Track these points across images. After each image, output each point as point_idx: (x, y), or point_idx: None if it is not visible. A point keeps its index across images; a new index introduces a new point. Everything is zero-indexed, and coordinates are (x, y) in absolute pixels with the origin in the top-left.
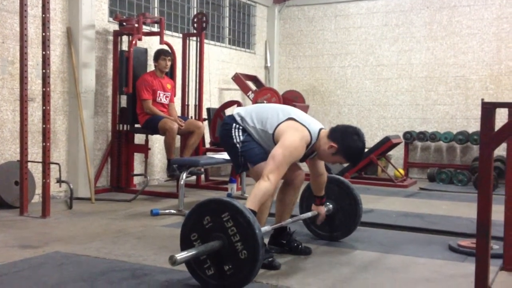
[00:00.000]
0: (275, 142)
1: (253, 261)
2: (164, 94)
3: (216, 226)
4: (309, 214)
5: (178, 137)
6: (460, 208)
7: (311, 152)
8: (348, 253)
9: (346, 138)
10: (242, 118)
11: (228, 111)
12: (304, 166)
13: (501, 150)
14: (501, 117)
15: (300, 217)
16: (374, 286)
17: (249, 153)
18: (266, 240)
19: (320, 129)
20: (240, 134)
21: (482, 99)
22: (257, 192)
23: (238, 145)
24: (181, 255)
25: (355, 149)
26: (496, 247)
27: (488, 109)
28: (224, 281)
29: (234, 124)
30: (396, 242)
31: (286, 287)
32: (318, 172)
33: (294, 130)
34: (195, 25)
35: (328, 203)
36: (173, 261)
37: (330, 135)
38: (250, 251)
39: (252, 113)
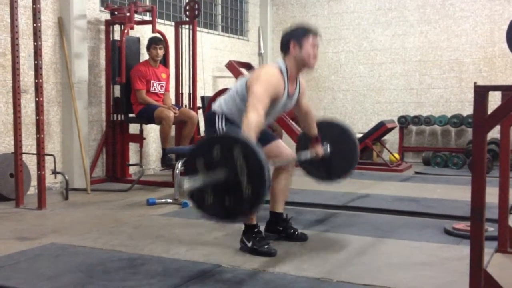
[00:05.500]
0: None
1: (256, 197)
2: (159, 84)
3: (224, 159)
4: (307, 155)
5: (173, 126)
6: (455, 191)
7: (293, 81)
8: (344, 238)
9: (286, 32)
10: (220, 107)
11: None
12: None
13: (495, 133)
14: (495, 100)
15: (299, 156)
16: (370, 271)
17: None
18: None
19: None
20: (223, 123)
21: (475, 83)
22: (249, 123)
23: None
24: (188, 184)
25: (297, 25)
26: (491, 229)
27: (481, 93)
28: (222, 210)
29: (216, 116)
30: (391, 227)
31: (283, 273)
32: (304, 110)
33: (260, 68)
34: (187, 13)
35: (325, 143)
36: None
37: (283, 49)
38: (255, 186)
39: (222, 99)
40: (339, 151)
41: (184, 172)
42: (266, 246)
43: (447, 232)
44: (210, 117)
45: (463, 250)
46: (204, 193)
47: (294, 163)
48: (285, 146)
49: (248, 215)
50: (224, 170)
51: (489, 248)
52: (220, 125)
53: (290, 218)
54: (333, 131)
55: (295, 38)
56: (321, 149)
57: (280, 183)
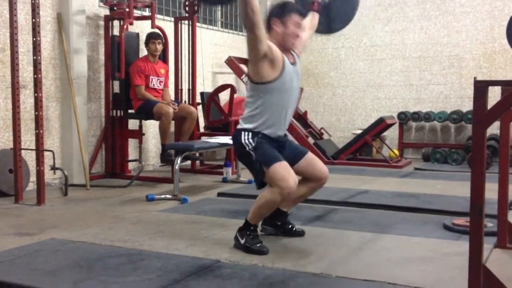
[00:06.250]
0: (255, 79)
1: None
2: (158, 79)
3: None
4: None
5: (172, 122)
6: (455, 187)
7: (288, 53)
8: (343, 234)
9: (268, 9)
10: (241, 125)
11: (222, 95)
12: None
13: (495, 129)
14: (494, 96)
15: None
16: (370, 267)
17: (263, 157)
18: None
19: None
20: (250, 138)
21: (475, 78)
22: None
23: (252, 152)
24: None
25: (279, 2)
26: (490, 225)
27: (481, 88)
28: None
29: (242, 132)
30: (391, 222)
31: (282, 268)
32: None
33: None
34: (186, 8)
35: None
36: None
37: (266, 28)
38: None
39: (242, 121)
40: (339, 1)
41: None
42: (258, 245)
43: (447, 227)
44: (236, 134)
45: (463, 245)
46: None
47: (325, 181)
48: (321, 163)
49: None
50: None
51: (488, 244)
52: (246, 139)
53: (289, 214)
54: None
55: (277, 16)
56: None
57: (301, 190)
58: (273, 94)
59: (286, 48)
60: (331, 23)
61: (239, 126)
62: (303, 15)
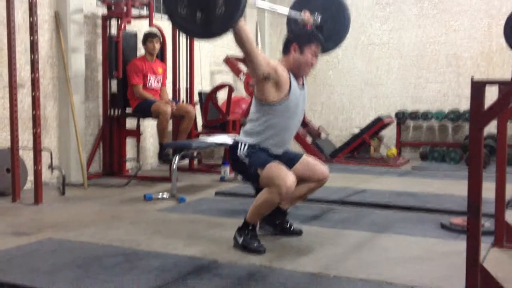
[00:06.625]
0: (259, 98)
1: (226, 19)
2: (156, 78)
3: None
4: (297, 15)
5: (170, 121)
6: (452, 186)
7: (296, 75)
8: (341, 233)
9: (292, 33)
10: (240, 138)
11: (220, 94)
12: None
13: (492, 128)
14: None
15: (290, 13)
16: (368, 266)
17: (256, 161)
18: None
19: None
20: (246, 149)
21: (472, 77)
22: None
23: (245, 159)
24: None
25: (305, 29)
26: (487, 224)
27: (478, 87)
28: (191, 25)
29: (239, 144)
30: (389, 221)
31: (280, 268)
32: None
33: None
34: None
35: (316, 14)
36: None
37: (284, 50)
38: (228, 9)
39: (242, 133)
40: (329, 16)
41: None
42: (256, 244)
43: (444, 227)
44: (233, 144)
45: (460, 245)
46: (178, 1)
47: (325, 181)
48: (315, 161)
49: (213, 36)
50: None
51: (485, 243)
52: (243, 151)
53: (288, 213)
54: (329, 8)
55: (298, 42)
56: (309, 13)
57: (301, 190)
58: (277, 116)
59: (298, 74)
60: (325, 42)
61: (237, 138)
62: (323, 46)
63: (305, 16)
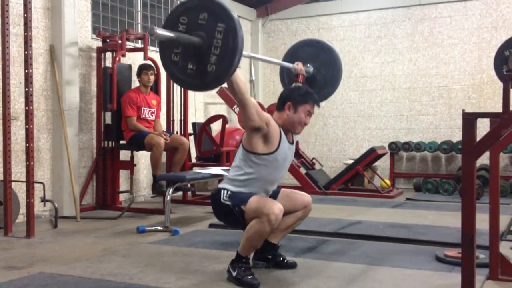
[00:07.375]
0: (246, 146)
1: (216, 78)
2: (150, 110)
3: (208, 28)
4: (290, 65)
5: (164, 153)
6: (446, 218)
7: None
8: (335, 266)
9: (288, 90)
10: (226, 184)
11: (214, 126)
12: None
13: (485, 159)
14: (484, 126)
15: (280, 63)
16: None
17: (238, 199)
18: None
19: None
20: (226, 194)
21: (463, 110)
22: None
23: (228, 203)
24: (162, 31)
25: (301, 88)
26: (482, 256)
27: (469, 120)
28: (182, 73)
29: (221, 191)
30: (383, 254)
31: None
32: None
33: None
34: None
35: (308, 65)
36: (152, 33)
37: (278, 107)
38: (219, 69)
39: (226, 181)
40: (321, 64)
41: (164, 26)
42: (250, 277)
43: (439, 259)
44: (216, 192)
45: (455, 277)
46: (173, 48)
47: (310, 208)
48: (294, 191)
49: (201, 89)
50: (201, 37)
51: (480, 275)
52: (225, 196)
53: (280, 246)
54: (307, 49)
55: (293, 101)
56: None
57: (288, 220)
58: (262, 167)
59: (289, 131)
60: (322, 89)
61: (220, 185)
62: (319, 106)
63: (298, 67)
